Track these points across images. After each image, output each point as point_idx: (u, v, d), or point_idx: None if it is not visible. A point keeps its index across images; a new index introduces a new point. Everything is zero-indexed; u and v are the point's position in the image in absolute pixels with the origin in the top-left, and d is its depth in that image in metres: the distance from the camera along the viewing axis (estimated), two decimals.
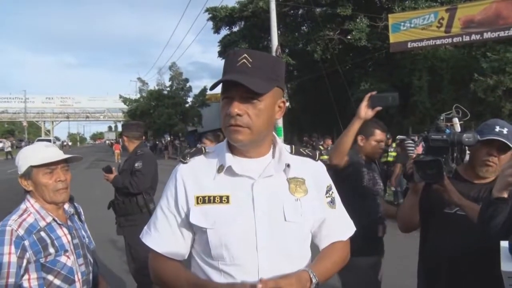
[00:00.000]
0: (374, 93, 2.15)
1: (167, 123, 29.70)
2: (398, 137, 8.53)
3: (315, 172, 1.27)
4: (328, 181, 1.31)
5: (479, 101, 13.31)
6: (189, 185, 1.20)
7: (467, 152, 1.93)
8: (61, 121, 62.98)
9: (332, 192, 1.31)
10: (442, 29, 13.04)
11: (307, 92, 22.07)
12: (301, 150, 1.30)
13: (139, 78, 35.99)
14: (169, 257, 1.22)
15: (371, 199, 2.55)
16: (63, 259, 1.65)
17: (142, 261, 3.26)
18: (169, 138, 34.30)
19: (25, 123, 53.33)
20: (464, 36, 12.80)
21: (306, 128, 20.70)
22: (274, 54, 11.53)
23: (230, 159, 1.19)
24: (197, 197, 1.18)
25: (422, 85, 15.75)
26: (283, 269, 1.13)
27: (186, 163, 1.24)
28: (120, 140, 7.09)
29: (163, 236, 1.23)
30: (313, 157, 1.29)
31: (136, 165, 3.58)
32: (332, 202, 1.30)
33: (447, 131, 1.88)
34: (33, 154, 1.70)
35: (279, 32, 15.22)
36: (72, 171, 1.82)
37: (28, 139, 46.85)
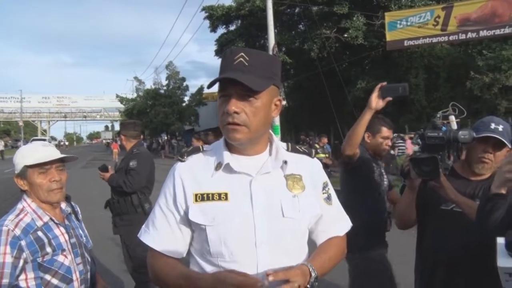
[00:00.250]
0: (384, 83, 2.16)
1: (164, 122, 29.59)
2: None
3: (311, 169, 1.28)
4: (324, 177, 1.33)
5: (475, 98, 13.40)
6: (188, 183, 1.20)
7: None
8: (57, 120, 62.78)
9: (329, 189, 1.33)
10: (438, 27, 13.11)
11: (304, 90, 22.07)
12: (297, 147, 1.32)
13: (135, 77, 35.95)
14: (168, 255, 1.22)
15: (382, 194, 2.60)
16: (60, 258, 1.65)
17: (139, 259, 3.26)
18: (166, 137, 34.23)
19: (21, 123, 52.98)
20: (460, 34, 12.88)
21: (303, 127, 20.73)
22: (271, 52, 11.51)
23: (228, 157, 1.20)
24: (196, 195, 1.18)
25: (418, 83, 15.82)
26: (281, 265, 1.14)
27: (184, 161, 1.25)
28: (118, 139, 7.08)
29: (162, 234, 1.23)
30: (309, 154, 1.31)
31: (130, 164, 3.54)
32: (328, 198, 1.31)
33: (443, 128, 1.89)
34: (29, 154, 1.69)
35: (275, 30, 15.19)
36: (68, 170, 1.81)
37: (24, 139, 46.58)
